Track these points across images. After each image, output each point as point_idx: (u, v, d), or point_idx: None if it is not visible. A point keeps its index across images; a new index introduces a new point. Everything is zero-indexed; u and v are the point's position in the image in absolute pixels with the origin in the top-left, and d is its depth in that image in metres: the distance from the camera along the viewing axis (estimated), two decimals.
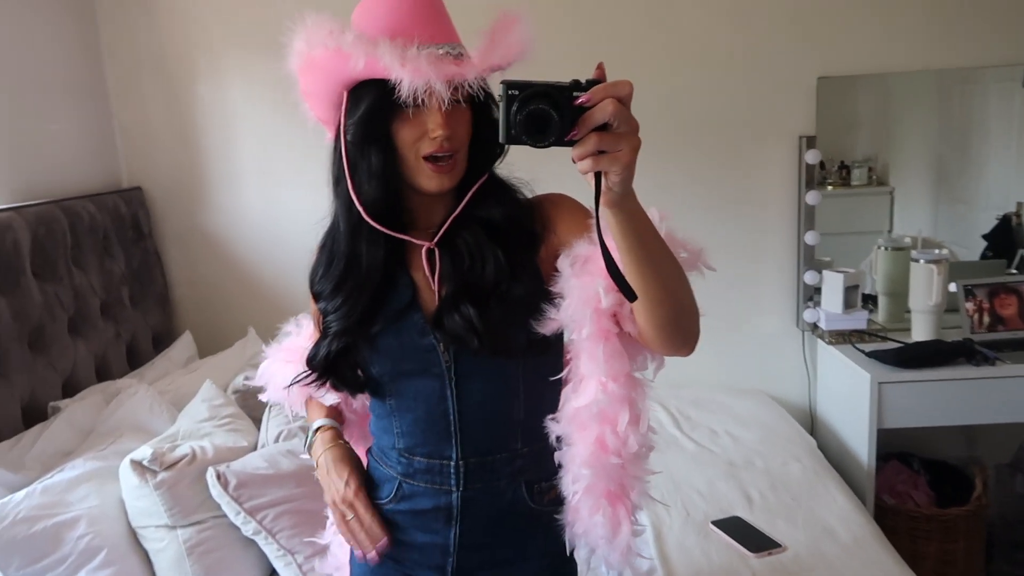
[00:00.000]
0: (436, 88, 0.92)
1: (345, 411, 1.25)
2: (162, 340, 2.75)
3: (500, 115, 0.78)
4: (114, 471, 1.72)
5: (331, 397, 1.18)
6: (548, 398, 1.07)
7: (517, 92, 0.77)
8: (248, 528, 1.68)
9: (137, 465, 1.64)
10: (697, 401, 2.71)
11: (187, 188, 2.83)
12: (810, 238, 2.73)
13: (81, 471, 1.75)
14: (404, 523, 1.12)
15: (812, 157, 2.68)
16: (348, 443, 1.20)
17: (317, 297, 1.12)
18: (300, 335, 1.27)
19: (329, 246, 1.10)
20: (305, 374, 1.13)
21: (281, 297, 2.81)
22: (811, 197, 2.70)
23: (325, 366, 1.09)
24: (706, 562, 1.80)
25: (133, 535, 1.69)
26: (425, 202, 1.05)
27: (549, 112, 0.76)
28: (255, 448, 1.89)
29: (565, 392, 1.05)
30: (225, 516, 1.69)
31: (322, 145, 2.98)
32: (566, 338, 1.07)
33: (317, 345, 1.11)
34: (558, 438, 1.04)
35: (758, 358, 2.88)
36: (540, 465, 1.09)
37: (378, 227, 1.03)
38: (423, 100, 0.94)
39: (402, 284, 1.07)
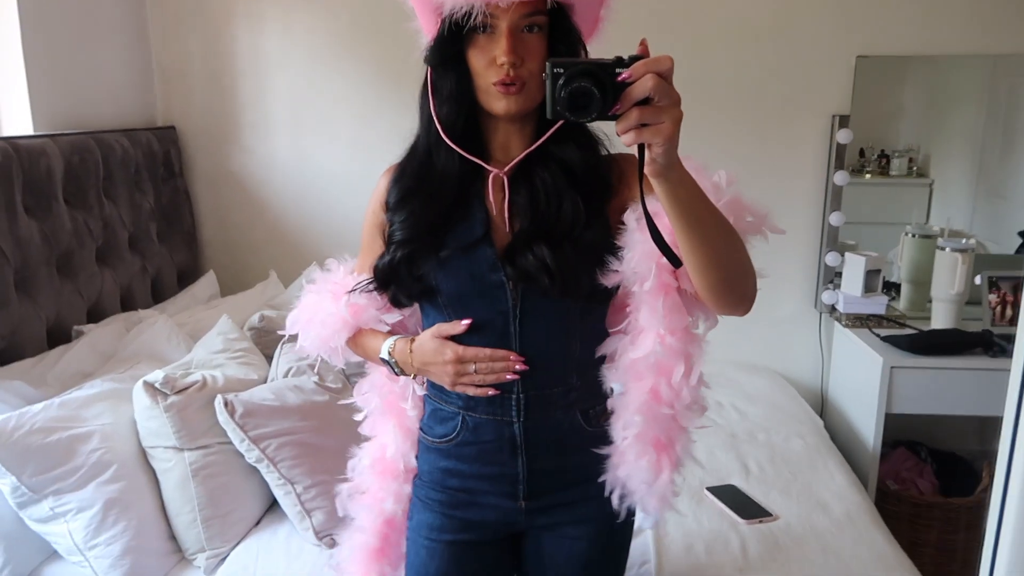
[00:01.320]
0: (475, 8, 0.97)
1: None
2: (186, 277, 2.82)
3: (547, 91, 0.83)
4: (129, 393, 1.79)
5: (391, 317, 1.20)
6: (599, 338, 1.14)
7: (562, 70, 0.82)
8: (251, 456, 1.74)
9: (149, 387, 1.70)
10: (708, 375, 2.69)
11: (220, 130, 2.88)
12: (835, 219, 2.70)
13: (98, 390, 1.83)
14: (470, 456, 1.16)
15: (844, 136, 2.64)
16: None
17: (388, 208, 1.15)
18: (328, 277, 1.27)
19: (406, 163, 1.14)
20: (367, 281, 1.16)
21: (304, 243, 2.86)
22: (839, 177, 2.66)
23: (389, 272, 1.13)
24: (696, 526, 1.82)
25: (143, 454, 1.76)
26: (503, 134, 1.10)
27: (591, 89, 0.80)
28: (265, 382, 1.94)
29: (623, 343, 1.09)
30: (230, 443, 1.75)
31: (353, 100, 3.02)
32: (625, 290, 1.10)
33: (383, 256, 1.14)
34: (611, 387, 1.10)
35: (773, 337, 2.86)
36: (592, 394, 1.14)
37: (453, 145, 1.07)
38: (491, 26, 1.00)
39: (476, 216, 1.10)
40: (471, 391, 1.12)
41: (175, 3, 2.79)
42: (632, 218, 1.05)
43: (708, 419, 2.33)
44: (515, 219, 1.09)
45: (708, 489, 1.97)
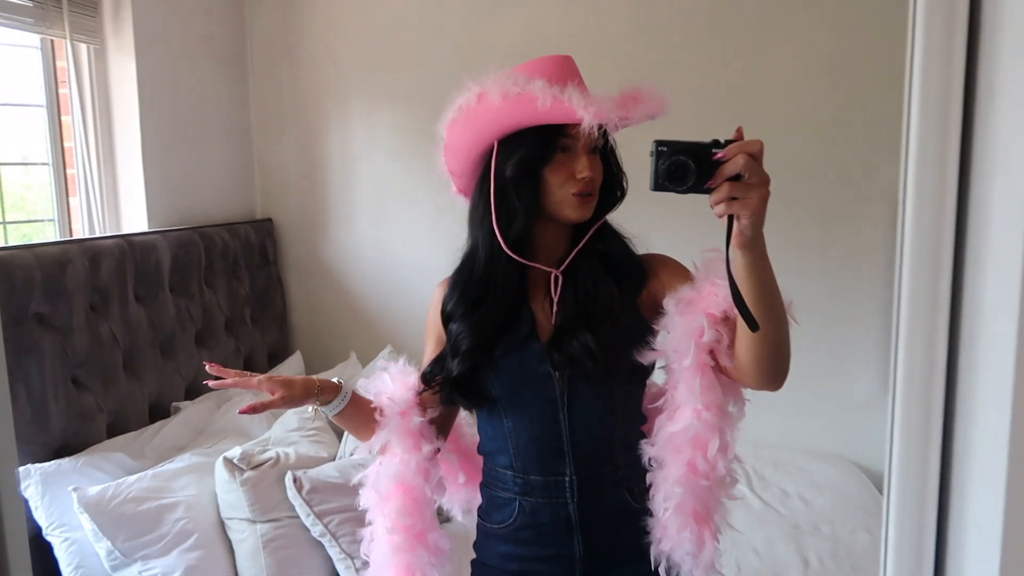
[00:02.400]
0: (584, 134, 1.09)
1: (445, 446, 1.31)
2: (276, 357, 3.05)
3: (651, 166, 0.95)
4: (212, 467, 1.96)
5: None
6: (638, 419, 1.23)
7: (665, 148, 0.94)
8: (316, 530, 1.86)
9: (229, 462, 1.87)
10: (776, 462, 2.68)
11: (310, 221, 3.15)
12: None
13: (186, 464, 2.01)
14: (528, 539, 1.21)
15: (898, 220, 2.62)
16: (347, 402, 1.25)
17: (448, 319, 1.25)
18: (390, 374, 1.32)
19: (467, 273, 1.24)
20: (420, 391, 1.24)
21: (382, 328, 3.05)
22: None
23: (453, 383, 1.22)
24: None
25: (221, 525, 1.91)
26: (551, 238, 1.21)
27: (688, 164, 0.93)
28: (334, 459, 2.08)
29: (660, 420, 1.17)
30: (298, 517, 1.88)
31: (429, 191, 3.21)
32: (659, 372, 1.19)
33: (439, 362, 1.24)
34: (650, 460, 1.17)
35: (846, 423, 2.80)
36: (635, 473, 1.21)
37: (516, 258, 1.18)
38: (569, 146, 1.13)
39: (524, 315, 1.21)
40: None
41: (275, 105, 3.12)
42: (671, 303, 1.13)
43: (771, 508, 2.32)
44: (560, 314, 1.20)
45: None
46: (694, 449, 1.12)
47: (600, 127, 1.10)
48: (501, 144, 1.16)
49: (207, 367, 1.17)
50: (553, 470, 1.19)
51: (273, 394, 1.17)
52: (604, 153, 1.18)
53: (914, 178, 0.63)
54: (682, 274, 1.18)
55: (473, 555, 1.31)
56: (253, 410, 1.16)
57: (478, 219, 1.21)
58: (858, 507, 2.37)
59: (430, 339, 1.31)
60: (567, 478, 1.19)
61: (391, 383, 1.27)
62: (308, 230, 3.16)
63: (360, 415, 1.24)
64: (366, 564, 1.32)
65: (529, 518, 1.21)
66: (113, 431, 2.16)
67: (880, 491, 2.53)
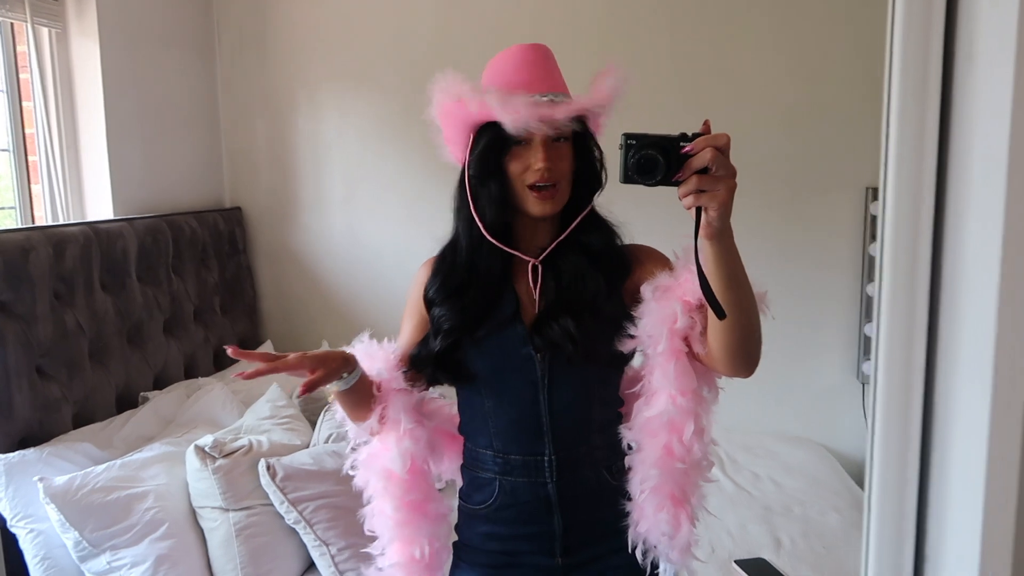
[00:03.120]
0: (532, 127, 1.12)
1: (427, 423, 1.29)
2: (246, 346, 3.00)
3: (620, 160, 0.96)
4: (183, 455, 1.93)
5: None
6: (615, 402, 1.26)
7: (634, 141, 0.95)
8: (290, 517, 1.85)
9: (200, 450, 1.84)
10: (747, 446, 2.71)
11: (280, 209, 3.11)
12: (872, 289, 2.70)
13: (156, 453, 1.98)
14: (509, 518, 1.23)
15: (877, 209, 2.67)
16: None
17: (431, 304, 1.26)
18: (369, 345, 1.30)
19: (450, 259, 1.26)
20: (407, 371, 1.23)
21: (354, 314, 3.02)
22: (874, 249, 2.68)
23: (434, 359, 1.23)
24: None
25: (192, 513, 1.89)
26: (531, 226, 1.22)
27: (657, 157, 0.94)
28: (307, 447, 2.06)
29: (637, 404, 1.19)
30: (271, 505, 1.86)
31: (402, 178, 3.21)
32: (638, 359, 1.21)
33: (424, 343, 1.25)
34: (628, 444, 1.19)
35: (815, 408, 2.85)
36: (613, 452, 1.23)
37: (495, 243, 1.20)
38: (525, 138, 1.14)
39: (507, 298, 1.22)
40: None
41: (244, 92, 3.07)
42: (648, 290, 1.15)
43: (743, 491, 2.35)
44: (543, 299, 1.22)
45: (736, 562, 1.96)
46: (670, 433, 1.15)
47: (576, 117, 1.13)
48: (474, 136, 1.19)
49: (228, 351, 1.10)
50: (532, 450, 1.21)
51: (313, 373, 1.11)
52: (580, 142, 1.19)
53: (894, 168, 0.63)
54: (664, 264, 1.20)
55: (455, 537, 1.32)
56: (259, 374, 1.09)
57: (458, 207, 1.24)
58: (827, 489, 2.41)
59: (411, 316, 1.30)
60: (546, 458, 1.20)
61: (370, 360, 1.25)
62: (278, 218, 3.12)
63: (363, 390, 1.21)
64: (372, 539, 1.30)
65: (509, 497, 1.23)
66: (79, 422, 2.12)
67: (848, 474, 2.58)
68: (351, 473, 1.31)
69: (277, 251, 3.13)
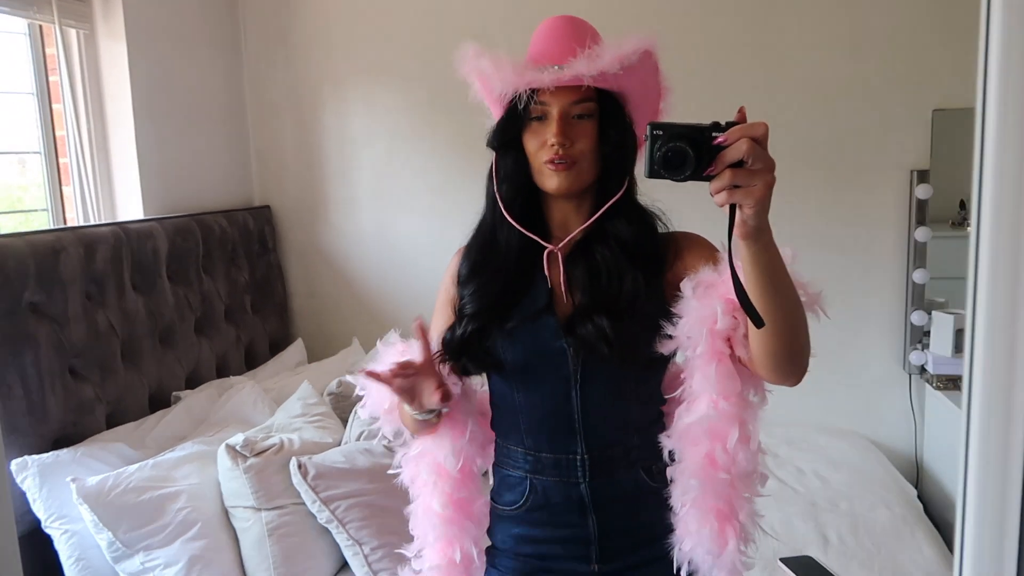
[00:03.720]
0: (519, 91, 1.07)
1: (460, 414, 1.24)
2: (278, 345, 3.00)
3: (645, 152, 0.88)
4: (215, 455, 1.91)
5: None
6: (655, 401, 1.17)
7: (661, 132, 0.87)
8: (322, 516, 1.82)
9: (231, 449, 1.82)
10: (790, 439, 2.63)
11: (310, 208, 3.09)
12: (919, 276, 2.60)
13: (188, 452, 1.97)
14: (541, 520, 1.17)
15: (923, 192, 2.57)
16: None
17: (459, 282, 1.22)
18: (395, 349, 1.27)
19: (473, 240, 1.23)
20: (439, 353, 1.18)
21: (385, 312, 3.00)
22: (920, 233, 2.58)
23: (460, 345, 1.17)
24: None
25: (225, 513, 1.87)
26: (560, 212, 1.17)
27: (686, 150, 0.85)
28: (339, 445, 2.03)
29: (678, 411, 1.11)
30: (303, 504, 1.84)
31: (431, 174, 3.16)
32: (680, 357, 1.13)
33: (452, 328, 1.20)
34: (670, 453, 1.11)
35: (860, 400, 2.75)
36: (652, 452, 1.15)
37: (511, 221, 1.15)
38: (543, 113, 1.09)
39: (540, 288, 1.16)
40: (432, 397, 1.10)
41: (271, 90, 3.06)
42: (688, 286, 1.07)
43: (787, 486, 2.27)
44: (575, 292, 1.15)
45: (782, 560, 1.89)
46: (712, 440, 1.06)
47: (585, 88, 1.06)
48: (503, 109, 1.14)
49: (416, 323, 1.10)
50: (564, 448, 1.15)
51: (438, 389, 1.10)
52: (609, 121, 1.11)
53: (992, 166, 0.55)
54: (710, 256, 1.11)
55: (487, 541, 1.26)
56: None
57: (487, 182, 1.20)
58: (875, 483, 2.33)
59: (443, 308, 1.25)
60: (578, 457, 1.14)
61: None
62: (307, 216, 3.10)
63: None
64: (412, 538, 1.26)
65: (541, 498, 1.17)
66: (112, 422, 2.11)
67: (895, 466, 2.48)
68: (396, 471, 1.27)
69: (307, 249, 3.12)
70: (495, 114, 1.17)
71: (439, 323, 1.26)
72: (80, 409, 2.00)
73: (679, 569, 1.12)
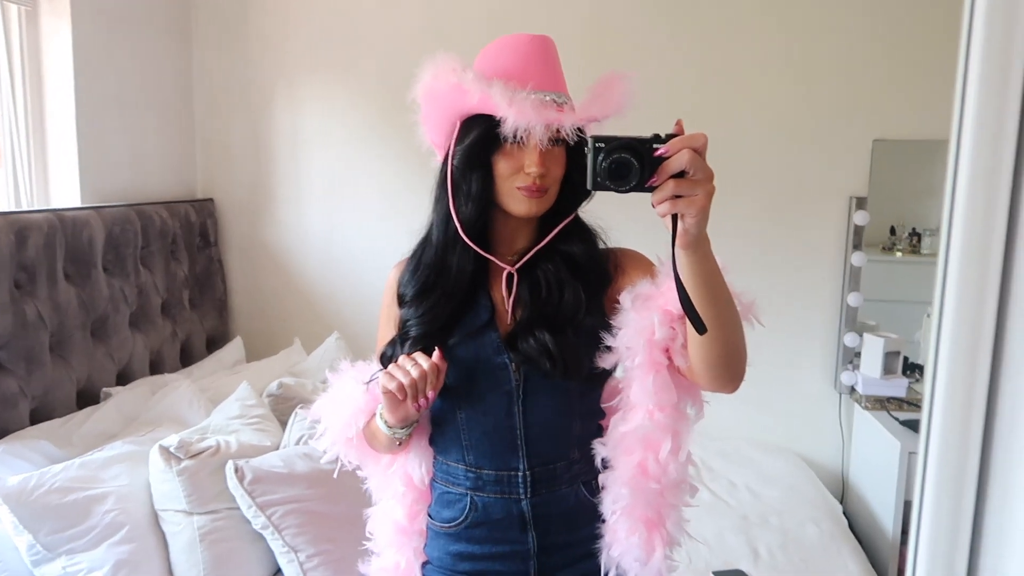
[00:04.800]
0: (535, 130, 1.05)
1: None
2: (215, 342, 2.92)
3: (588, 164, 0.88)
4: (146, 455, 1.85)
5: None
6: (597, 415, 1.18)
7: (603, 144, 0.87)
8: (257, 522, 1.78)
9: (164, 451, 1.76)
10: (724, 453, 2.69)
11: (256, 203, 3.02)
12: (853, 299, 2.69)
13: (118, 452, 1.89)
14: (481, 536, 1.17)
15: (861, 218, 2.66)
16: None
17: (401, 301, 1.20)
18: (354, 373, 1.25)
19: (419, 256, 1.20)
20: (380, 371, 1.16)
21: (329, 314, 2.95)
22: (856, 258, 2.67)
23: None
24: None
25: (155, 516, 1.81)
26: (511, 229, 1.16)
27: (631, 161, 0.86)
28: (277, 448, 1.99)
29: (614, 419, 1.12)
30: (238, 508, 1.79)
31: (386, 176, 3.13)
32: (620, 371, 1.14)
33: (392, 345, 1.18)
34: (603, 460, 1.13)
35: (792, 417, 2.83)
36: (592, 467, 1.16)
37: (470, 244, 1.13)
38: (523, 138, 1.07)
39: (482, 303, 1.15)
40: (389, 386, 1.08)
41: (221, 82, 2.98)
42: (627, 299, 1.09)
43: (719, 499, 2.32)
44: (518, 308, 1.15)
45: (714, 573, 1.94)
46: (645, 450, 1.09)
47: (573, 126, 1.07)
48: (462, 125, 1.12)
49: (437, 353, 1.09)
50: (505, 464, 1.15)
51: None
52: (575, 148, 1.11)
53: (965, 191, 0.56)
54: (648, 270, 1.13)
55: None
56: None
57: (436, 199, 1.17)
58: (804, 499, 2.40)
59: (387, 324, 1.24)
60: (520, 473, 1.15)
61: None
62: (253, 211, 3.03)
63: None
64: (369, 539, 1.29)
65: (481, 515, 1.17)
66: (37, 417, 2.03)
67: (824, 484, 2.56)
68: (364, 478, 1.29)
69: (250, 245, 3.05)
70: (442, 126, 1.13)
71: (384, 343, 1.24)
72: (2, 403, 1.91)
73: (607, 573, 1.14)
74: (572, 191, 1.14)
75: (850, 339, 2.69)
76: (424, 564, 1.24)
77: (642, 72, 2.80)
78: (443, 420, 1.20)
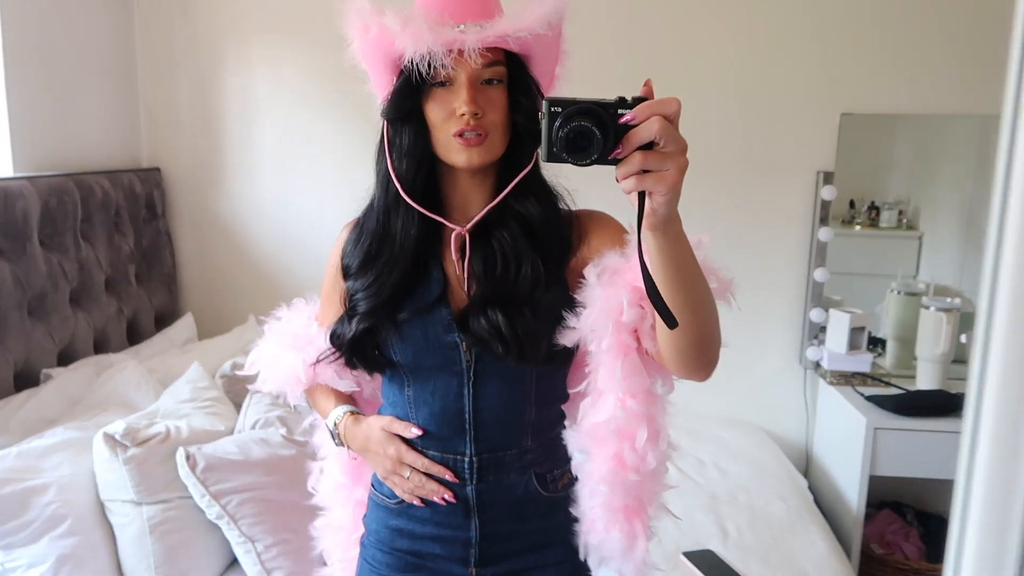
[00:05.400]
0: (435, 54, 0.94)
1: (357, 399, 1.24)
2: (164, 319, 2.79)
3: (543, 132, 0.76)
4: (90, 442, 1.74)
5: (345, 383, 1.18)
6: (557, 400, 1.12)
7: (560, 109, 0.75)
8: (212, 512, 1.69)
9: (110, 439, 1.66)
10: (690, 431, 2.67)
11: (205, 173, 2.87)
12: (819, 275, 2.68)
13: (59, 439, 1.78)
14: (422, 517, 1.12)
15: (828, 193, 2.64)
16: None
17: (346, 272, 1.12)
18: (291, 320, 1.24)
19: (362, 222, 1.11)
20: (330, 352, 1.13)
21: (285, 287, 2.83)
22: (823, 233, 2.66)
23: (351, 345, 1.09)
24: None
25: (100, 508, 1.70)
26: (463, 191, 1.06)
27: (592, 129, 0.73)
28: (231, 433, 1.89)
29: (583, 405, 1.05)
30: (191, 497, 1.70)
31: (340, 142, 3.01)
32: (584, 348, 1.06)
33: (341, 323, 1.11)
34: (576, 451, 1.06)
35: (758, 393, 2.83)
36: (548, 457, 1.10)
37: (413, 204, 1.04)
38: (449, 78, 0.97)
39: (434, 276, 1.07)
40: (399, 493, 1.11)
41: (165, 46, 2.81)
42: (593, 273, 1.00)
43: (688, 478, 2.30)
44: (473, 280, 1.07)
45: (684, 554, 1.91)
46: (620, 440, 1.01)
47: (495, 50, 0.98)
48: (397, 77, 1.02)
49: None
50: (452, 448, 1.09)
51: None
52: (518, 87, 1.02)
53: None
54: (617, 238, 1.04)
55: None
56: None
57: (376, 162, 1.09)
58: (771, 476, 2.39)
59: (332, 295, 1.17)
60: (467, 458, 1.08)
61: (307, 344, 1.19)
62: (202, 181, 2.88)
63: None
64: (317, 509, 1.30)
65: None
66: None
67: (789, 459, 2.56)
68: (314, 432, 1.30)
69: (200, 216, 2.90)
70: (382, 80, 1.05)
71: (328, 311, 1.18)
72: None
73: (586, 559, 1.09)
74: (524, 143, 1.04)
75: (816, 315, 2.68)
76: (361, 538, 1.20)
77: (602, 38, 2.73)
78: (391, 395, 1.14)
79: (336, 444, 1.17)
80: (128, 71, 2.78)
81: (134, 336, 2.61)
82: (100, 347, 2.41)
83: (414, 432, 1.09)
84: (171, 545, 1.67)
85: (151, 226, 2.76)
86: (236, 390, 2.11)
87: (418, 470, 1.09)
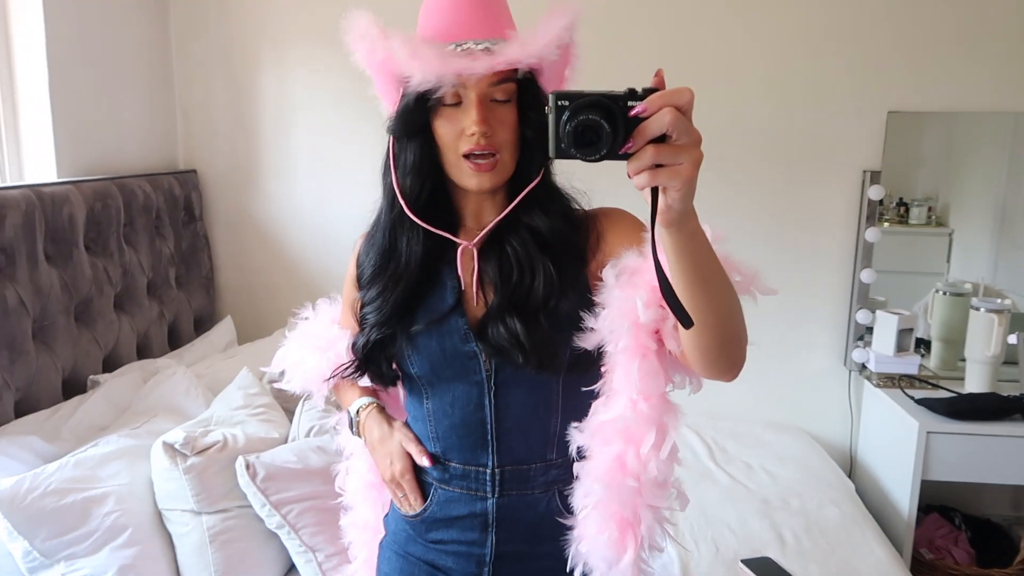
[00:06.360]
0: (444, 82, 0.93)
1: (380, 394, 1.23)
2: (203, 322, 2.77)
3: (550, 127, 0.72)
4: (145, 450, 1.73)
5: (367, 380, 1.18)
6: (584, 411, 1.04)
7: (567, 103, 0.71)
8: (272, 521, 1.67)
9: (169, 448, 1.64)
10: (735, 433, 2.64)
11: (242, 175, 2.86)
12: (866, 276, 2.64)
13: (114, 447, 1.77)
14: (440, 529, 1.10)
15: (875, 193, 2.60)
16: (393, 419, 1.18)
17: (360, 283, 1.12)
18: (316, 319, 1.26)
19: (371, 235, 1.11)
20: (348, 363, 1.12)
21: (324, 289, 2.76)
22: (871, 234, 2.62)
23: (363, 356, 1.09)
24: None
25: (159, 517, 1.69)
26: (473, 202, 1.05)
27: (600, 123, 0.69)
28: (285, 440, 1.88)
29: (595, 404, 1.01)
30: (250, 507, 1.68)
31: (375, 143, 2.98)
32: (605, 351, 1.02)
33: (358, 335, 1.10)
34: (579, 448, 1.01)
35: (802, 395, 2.79)
36: (572, 474, 1.05)
37: (417, 221, 1.02)
38: (460, 96, 0.96)
39: (449, 285, 1.05)
40: (396, 500, 1.15)
41: (201, 49, 2.79)
42: (611, 274, 0.97)
43: (738, 483, 2.27)
44: (487, 290, 1.05)
45: (743, 561, 1.89)
46: (625, 443, 0.97)
47: (515, 71, 0.96)
48: (404, 92, 1.00)
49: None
50: (474, 459, 1.06)
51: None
52: (527, 104, 0.99)
53: None
54: (635, 236, 1.00)
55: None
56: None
57: (383, 176, 1.07)
58: (820, 480, 2.36)
59: (348, 297, 1.18)
60: (488, 470, 1.06)
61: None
62: (238, 183, 2.87)
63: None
64: (345, 509, 1.31)
65: (440, 510, 1.10)
66: (22, 410, 1.88)
67: (835, 461, 2.53)
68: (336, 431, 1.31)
69: (237, 219, 2.88)
70: (388, 90, 1.03)
71: (347, 316, 1.18)
72: None
73: (572, 569, 1.03)
74: (534, 156, 1.02)
75: (862, 316, 2.64)
76: (382, 541, 1.20)
77: (640, 36, 2.69)
78: (411, 408, 1.13)
79: (352, 432, 1.19)
80: (164, 74, 2.77)
81: (174, 340, 2.60)
82: (143, 352, 2.40)
83: (424, 462, 1.10)
84: (231, 555, 1.66)
85: (189, 229, 2.75)
86: (286, 395, 2.08)
87: (407, 493, 1.12)
